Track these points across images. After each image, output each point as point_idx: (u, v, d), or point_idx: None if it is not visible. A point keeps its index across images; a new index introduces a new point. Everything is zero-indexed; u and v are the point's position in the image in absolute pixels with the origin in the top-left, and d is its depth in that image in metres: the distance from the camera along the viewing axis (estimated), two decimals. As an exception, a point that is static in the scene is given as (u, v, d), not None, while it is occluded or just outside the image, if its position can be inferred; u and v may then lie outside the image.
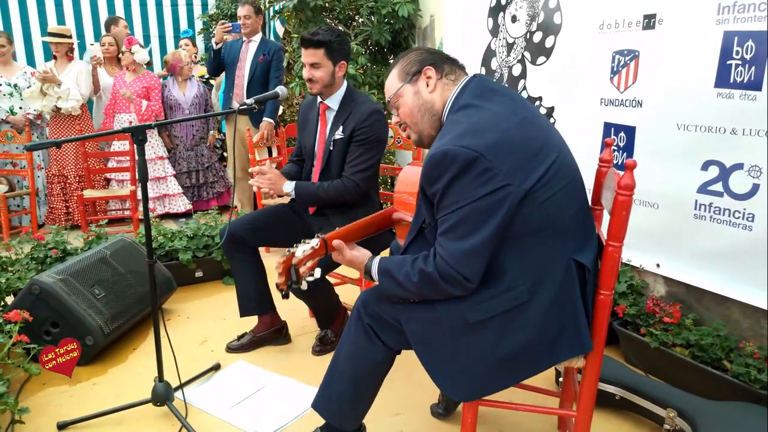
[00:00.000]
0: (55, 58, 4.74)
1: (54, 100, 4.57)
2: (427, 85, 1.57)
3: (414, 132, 1.63)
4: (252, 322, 2.65)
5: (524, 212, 1.38)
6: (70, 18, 6.38)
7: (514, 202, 1.37)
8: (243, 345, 2.60)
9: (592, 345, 1.49)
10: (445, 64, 1.60)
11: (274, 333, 2.64)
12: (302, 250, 1.55)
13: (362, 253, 1.62)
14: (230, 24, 4.33)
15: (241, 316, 2.58)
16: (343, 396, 1.65)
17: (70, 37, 4.69)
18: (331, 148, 2.43)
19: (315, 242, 1.58)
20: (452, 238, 1.39)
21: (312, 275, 1.58)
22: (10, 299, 2.68)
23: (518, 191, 1.36)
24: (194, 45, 5.90)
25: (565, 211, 1.44)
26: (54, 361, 2.34)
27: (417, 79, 1.58)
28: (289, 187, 2.40)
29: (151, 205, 4.91)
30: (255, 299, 2.55)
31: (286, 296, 1.57)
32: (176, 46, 6.82)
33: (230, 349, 2.60)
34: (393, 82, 1.63)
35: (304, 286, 1.57)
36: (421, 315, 1.51)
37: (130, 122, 4.75)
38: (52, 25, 5.83)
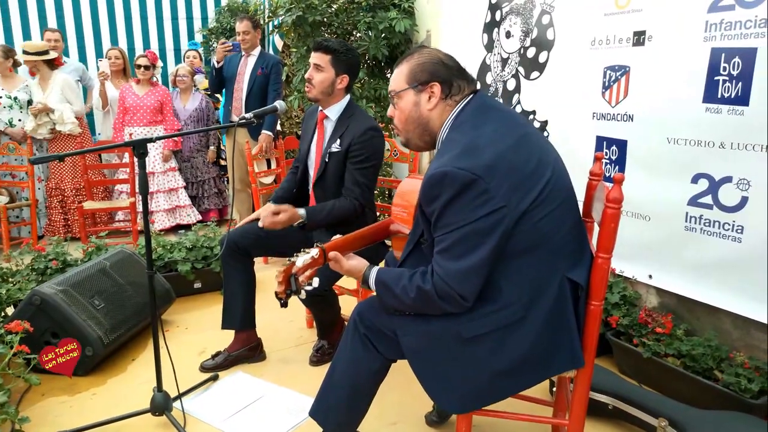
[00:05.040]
0: (32, 74, 4.76)
1: (50, 124, 4.65)
2: (429, 100, 1.55)
3: (402, 135, 1.64)
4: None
5: (520, 232, 1.41)
6: (71, 32, 6.45)
7: (510, 223, 1.39)
8: (217, 364, 2.55)
9: (584, 361, 1.52)
10: (456, 81, 1.54)
11: (249, 350, 2.61)
12: (302, 260, 1.58)
13: (360, 262, 1.65)
14: (230, 44, 4.36)
15: (222, 328, 2.58)
16: (340, 404, 1.67)
17: (46, 52, 4.69)
18: (327, 160, 2.47)
19: (314, 252, 1.62)
20: (449, 258, 1.42)
21: (310, 284, 1.62)
22: (10, 310, 2.70)
23: (514, 212, 1.39)
24: (201, 59, 5.94)
25: (559, 228, 1.47)
26: (54, 361, 2.37)
27: (422, 90, 1.55)
28: (302, 212, 2.37)
29: (164, 216, 4.95)
30: (239, 314, 2.55)
31: (284, 305, 1.60)
32: (177, 60, 6.90)
33: (204, 368, 2.54)
34: (400, 79, 1.57)
35: (302, 295, 1.61)
36: (417, 328, 1.53)
37: (131, 135, 4.79)
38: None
